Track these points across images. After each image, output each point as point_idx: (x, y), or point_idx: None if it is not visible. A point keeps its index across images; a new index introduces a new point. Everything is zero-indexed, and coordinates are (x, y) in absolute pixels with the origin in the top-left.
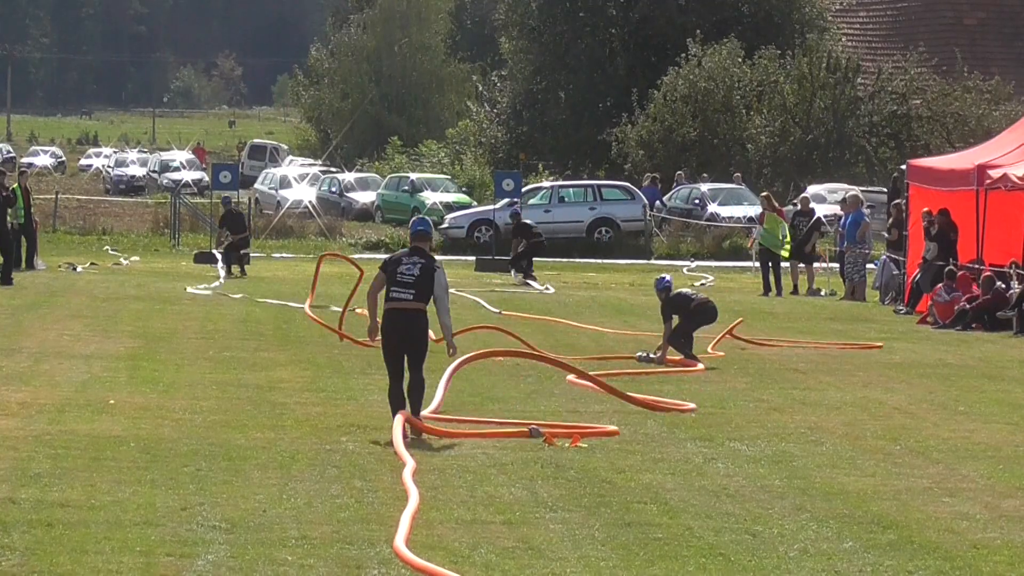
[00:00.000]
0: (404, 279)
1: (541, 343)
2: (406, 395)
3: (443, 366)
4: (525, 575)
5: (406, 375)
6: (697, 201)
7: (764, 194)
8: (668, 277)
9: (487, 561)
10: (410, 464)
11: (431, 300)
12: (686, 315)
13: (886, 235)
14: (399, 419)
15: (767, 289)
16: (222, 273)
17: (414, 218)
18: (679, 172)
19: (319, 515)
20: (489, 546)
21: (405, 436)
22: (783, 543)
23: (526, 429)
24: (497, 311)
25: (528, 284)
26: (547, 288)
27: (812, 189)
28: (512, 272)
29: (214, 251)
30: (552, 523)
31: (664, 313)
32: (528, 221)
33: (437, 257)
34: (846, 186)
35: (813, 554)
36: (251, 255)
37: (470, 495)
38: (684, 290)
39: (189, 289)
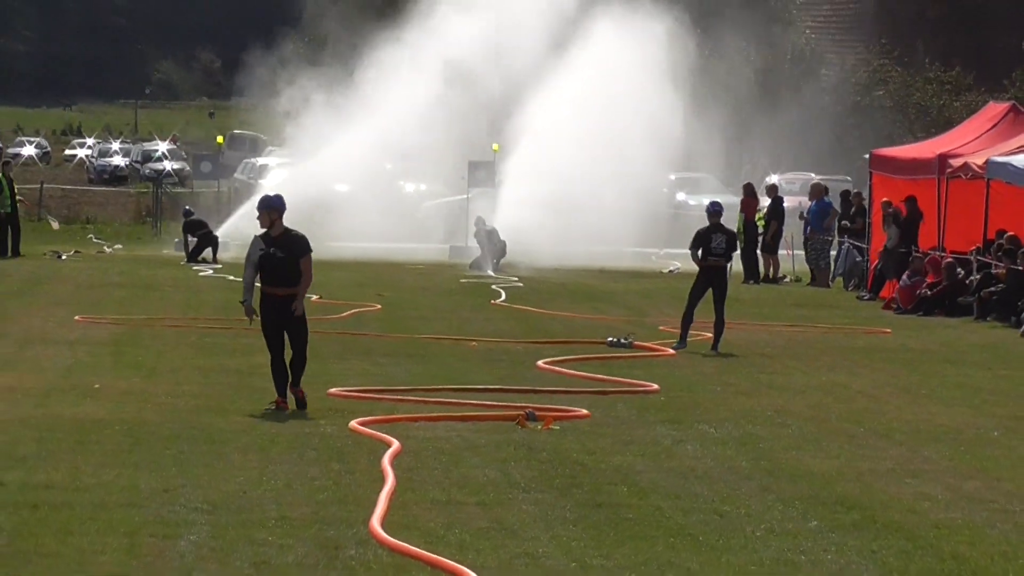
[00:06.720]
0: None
1: (514, 328)
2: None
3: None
4: (498, 555)
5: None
6: (665, 190)
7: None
8: (719, 203)
9: (461, 541)
10: (394, 445)
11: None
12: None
13: (848, 223)
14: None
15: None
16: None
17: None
18: None
19: (298, 496)
20: (463, 527)
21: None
22: (750, 523)
23: (523, 413)
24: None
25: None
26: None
27: (769, 179)
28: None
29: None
30: (525, 504)
31: (693, 243)
32: (492, 227)
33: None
34: (804, 176)
35: (779, 533)
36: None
37: (445, 477)
38: (717, 235)
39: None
